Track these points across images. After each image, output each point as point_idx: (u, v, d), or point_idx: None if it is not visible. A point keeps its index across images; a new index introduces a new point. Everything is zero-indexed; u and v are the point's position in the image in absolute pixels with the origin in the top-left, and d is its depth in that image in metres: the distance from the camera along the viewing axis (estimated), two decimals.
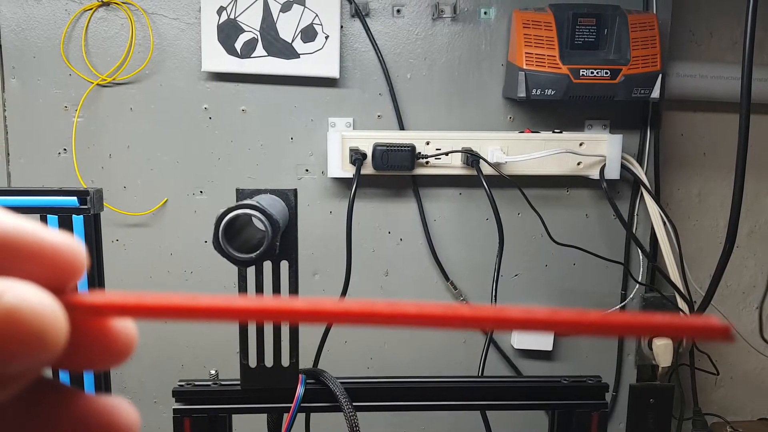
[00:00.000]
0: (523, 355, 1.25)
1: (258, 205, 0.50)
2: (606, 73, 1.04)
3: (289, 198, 0.61)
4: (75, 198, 0.69)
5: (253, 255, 0.50)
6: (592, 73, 1.04)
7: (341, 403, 0.62)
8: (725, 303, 1.37)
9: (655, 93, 1.06)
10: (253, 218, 0.57)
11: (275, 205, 0.56)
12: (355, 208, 1.08)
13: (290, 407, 0.65)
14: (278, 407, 0.66)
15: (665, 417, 1.24)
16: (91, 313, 0.19)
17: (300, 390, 0.64)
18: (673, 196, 1.32)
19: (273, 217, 0.50)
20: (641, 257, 1.22)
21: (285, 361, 0.64)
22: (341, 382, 0.65)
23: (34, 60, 1.11)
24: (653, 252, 1.22)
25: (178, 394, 0.65)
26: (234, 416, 0.67)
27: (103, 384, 0.74)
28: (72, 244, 0.19)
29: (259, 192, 0.60)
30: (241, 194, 0.60)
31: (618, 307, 1.23)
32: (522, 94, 1.04)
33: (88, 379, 0.73)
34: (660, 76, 1.06)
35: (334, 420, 0.71)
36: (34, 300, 0.16)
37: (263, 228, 0.54)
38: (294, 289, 0.63)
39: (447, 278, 1.21)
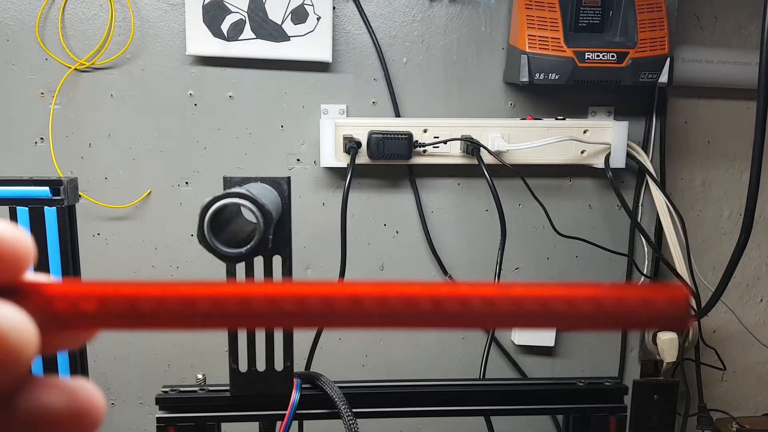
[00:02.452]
0: (524, 351, 1.21)
1: (248, 193, 0.44)
2: (612, 56, 1.00)
3: (282, 187, 0.56)
4: (47, 188, 0.64)
5: (242, 250, 0.45)
6: (598, 56, 0.99)
7: (340, 410, 0.57)
8: (729, 295, 1.33)
9: (663, 77, 1.02)
10: (242, 209, 0.52)
11: (267, 195, 0.50)
12: (349, 199, 1.03)
13: (284, 414, 0.60)
14: (271, 414, 0.61)
15: (669, 413, 1.20)
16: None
17: (295, 396, 0.59)
18: (677, 186, 1.28)
19: (265, 207, 0.44)
20: (646, 249, 1.18)
21: (278, 365, 0.59)
22: (338, 387, 0.60)
23: (7, 43, 1.04)
24: (658, 243, 1.18)
25: (162, 402, 0.59)
26: (223, 425, 0.62)
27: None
28: (14, 232, 0.18)
29: (248, 180, 0.55)
30: (228, 183, 0.55)
31: None
32: (525, 78, 0.99)
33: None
34: (669, 59, 1.01)
35: (329, 427, 0.66)
36: (9, 318, 0.16)
37: (254, 220, 0.49)
38: None
39: (445, 272, 1.16)
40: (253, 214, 0.45)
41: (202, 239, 0.44)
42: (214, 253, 0.45)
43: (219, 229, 0.46)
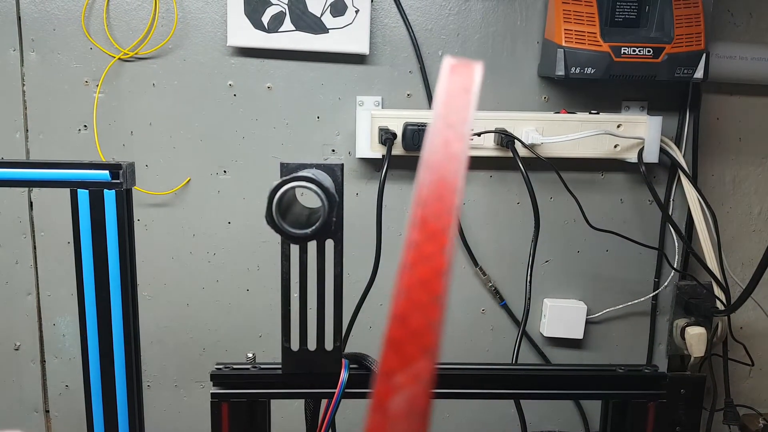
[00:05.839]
0: (553, 344, 1.22)
1: (315, 178, 0.46)
2: (648, 51, 1.00)
3: (336, 173, 0.58)
4: (107, 172, 0.66)
5: (308, 230, 0.47)
6: (634, 51, 1.00)
7: None
8: (758, 292, 1.33)
9: (699, 73, 1.02)
10: (297, 194, 0.54)
11: (326, 180, 0.52)
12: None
13: (332, 393, 0.62)
14: (320, 392, 0.63)
15: (696, 408, 1.21)
16: None
17: (344, 375, 0.61)
18: (707, 182, 1.28)
19: (330, 191, 0.46)
20: (676, 245, 1.18)
21: (329, 345, 0.61)
22: None
23: (54, 33, 1.08)
24: (688, 238, 1.18)
25: (216, 378, 0.62)
26: (272, 402, 0.64)
27: (134, 368, 0.71)
28: None
29: (304, 166, 0.57)
30: (285, 168, 0.57)
31: (651, 295, 1.20)
32: (560, 72, 1.00)
33: (119, 356, 0.70)
34: (705, 55, 1.01)
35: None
36: None
37: (312, 204, 0.51)
38: (339, 270, 0.60)
39: (476, 263, 1.18)
40: (319, 197, 0.47)
41: (270, 220, 0.46)
42: (282, 233, 0.47)
43: (284, 212, 0.48)
